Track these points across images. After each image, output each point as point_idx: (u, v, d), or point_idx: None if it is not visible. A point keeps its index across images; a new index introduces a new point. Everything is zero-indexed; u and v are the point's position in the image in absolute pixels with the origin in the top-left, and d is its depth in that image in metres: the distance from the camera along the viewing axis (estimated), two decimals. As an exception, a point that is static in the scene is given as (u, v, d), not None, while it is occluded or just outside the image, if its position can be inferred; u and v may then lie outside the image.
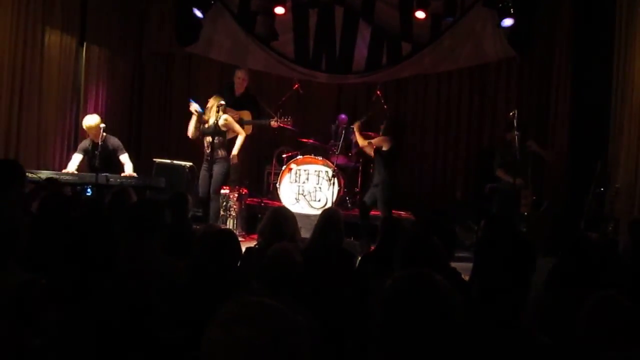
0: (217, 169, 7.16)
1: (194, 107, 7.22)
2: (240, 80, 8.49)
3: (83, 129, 7.27)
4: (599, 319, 2.11)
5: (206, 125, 7.21)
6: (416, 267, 1.89)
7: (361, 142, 7.47)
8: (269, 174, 9.20)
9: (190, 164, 8.16)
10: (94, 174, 6.56)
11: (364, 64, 9.42)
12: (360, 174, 8.87)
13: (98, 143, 6.91)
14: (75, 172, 6.94)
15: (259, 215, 7.51)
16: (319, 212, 8.04)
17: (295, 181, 8.45)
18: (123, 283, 2.46)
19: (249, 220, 8.27)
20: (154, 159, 8.38)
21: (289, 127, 8.68)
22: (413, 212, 8.55)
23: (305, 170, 8.45)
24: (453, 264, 3.70)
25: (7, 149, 7.04)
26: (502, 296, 2.23)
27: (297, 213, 6.90)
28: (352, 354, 2.64)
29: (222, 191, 7.94)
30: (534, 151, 7.53)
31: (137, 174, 7.30)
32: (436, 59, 9.22)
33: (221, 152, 7.26)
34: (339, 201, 8.39)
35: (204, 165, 7.28)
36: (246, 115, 8.48)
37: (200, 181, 7.34)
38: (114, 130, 7.90)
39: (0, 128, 6.98)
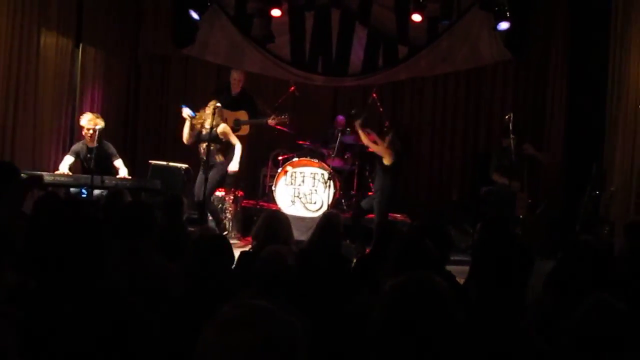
0: (212, 173, 7.13)
1: (186, 112, 7.19)
2: (236, 82, 8.50)
3: (78, 130, 7.25)
4: (592, 322, 2.11)
5: (203, 132, 7.16)
6: (408, 270, 1.88)
7: (365, 141, 7.43)
8: (265, 176, 9.20)
9: (186, 165, 8.15)
10: (89, 176, 6.54)
11: (361, 66, 9.42)
12: (356, 177, 8.86)
13: (92, 147, 6.90)
14: (70, 173, 6.93)
15: (255, 218, 7.50)
16: (314, 214, 8.13)
17: (291, 183, 8.45)
18: (114, 285, 2.45)
19: (245, 222, 8.27)
20: (150, 161, 8.37)
21: (285, 129, 8.69)
22: (409, 214, 8.56)
23: (301, 173, 8.45)
24: (448, 267, 3.70)
25: (2, 150, 7.01)
26: (499, 299, 2.23)
27: (292, 216, 6.94)
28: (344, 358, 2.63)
29: (218, 193, 7.93)
30: (530, 154, 7.54)
31: (133, 176, 7.28)
32: (432, 61, 9.23)
33: (218, 158, 7.24)
34: (335, 204, 8.40)
35: (201, 170, 7.25)
36: (242, 115, 8.47)
37: (196, 185, 7.31)
38: (110, 132, 7.88)
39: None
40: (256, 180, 9.47)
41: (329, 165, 8.34)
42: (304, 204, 8.40)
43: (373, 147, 7.35)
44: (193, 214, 7.36)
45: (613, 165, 7.17)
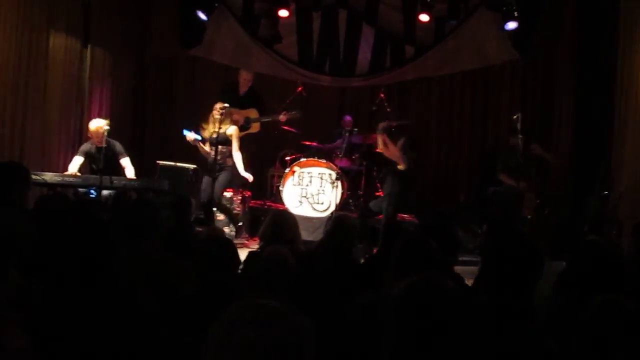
0: (222, 176, 7.13)
1: (191, 137, 7.18)
2: (245, 81, 8.53)
3: (87, 131, 7.28)
4: (602, 322, 2.10)
5: (214, 135, 7.15)
6: (410, 271, 1.87)
7: (382, 147, 7.25)
8: (272, 176, 9.19)
9: (194, 166, 8.15)
10: (98, 177, 6.56)
11: (368, 66, 9.42)
12: (363, 177, 8.85)
13: (101, 146, 6.92)
14: (79, 174, 6.95)
15: (262, 218, 7.50)
16: (321, 215, 8.13)
17: (299, 184, 8.44)
18: (121, 283, 2.45)
19: (253, 222, 8.27)
20: (158, 161, 8.38)
21: (293, 129, 8.69)
22: (416, 215, 8.54)
23: (308, 173, 8.44)
24: (456, 268, 3.68)
25: (11, 150, 7.04)
26: (509, 300, 2.22)
27: (299, 216, 6.93)
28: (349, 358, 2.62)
29: (226, 194, 7.94)
30: (537, 154, 7.51)
31: (141, 176, 7.29)
32: (440, 61, 9.22)
33: (229, 161, 7.24)
34: (342, 204, 8.38)
35: (208, 172, 7.25)
36: (253, 113, 8.47)
37: (203, 186, 7.31)
38: (118, 132, 7.90)
39: (5, 130, 6.99)
40: (264, 181, 9.47)
41: (336, 166, 8.33)
42: (311, 204, 8.39)
43: (387, 153, 7.30)
44: (200, 214, 7.37)
45: (622, 164, 7.14)
